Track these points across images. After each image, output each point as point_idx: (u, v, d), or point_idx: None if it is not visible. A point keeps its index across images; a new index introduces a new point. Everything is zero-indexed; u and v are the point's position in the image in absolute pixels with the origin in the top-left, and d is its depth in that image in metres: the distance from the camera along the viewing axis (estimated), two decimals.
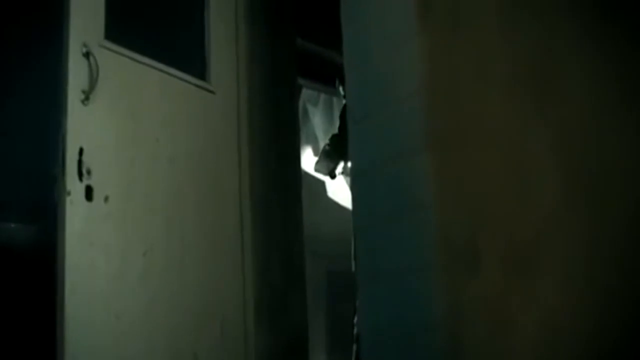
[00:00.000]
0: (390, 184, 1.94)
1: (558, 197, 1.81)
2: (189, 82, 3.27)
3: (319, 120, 5.61)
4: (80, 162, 2.71)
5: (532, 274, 1.74)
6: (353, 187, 2.17)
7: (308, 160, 5.43)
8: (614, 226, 1.84)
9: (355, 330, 3.34)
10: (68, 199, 2.66)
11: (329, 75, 4.54)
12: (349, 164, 3.84)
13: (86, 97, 2.77)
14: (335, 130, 4.48)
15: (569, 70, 1.89)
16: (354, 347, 3.35)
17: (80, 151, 2.71)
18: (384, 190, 1.98)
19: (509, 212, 1.76)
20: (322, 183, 5.58)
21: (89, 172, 2.73)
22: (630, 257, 1.84)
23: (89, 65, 2.80)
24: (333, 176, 4.38)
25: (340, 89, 3.93)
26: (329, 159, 4.25)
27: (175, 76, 3.19)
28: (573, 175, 1.82)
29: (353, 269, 3.16)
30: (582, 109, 1.89)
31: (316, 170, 4.38)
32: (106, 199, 2.79)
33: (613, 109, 1.94)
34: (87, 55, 2.80)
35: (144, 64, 3.06)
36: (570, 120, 1.85)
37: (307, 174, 5.13)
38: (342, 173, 4.30)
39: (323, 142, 5.44)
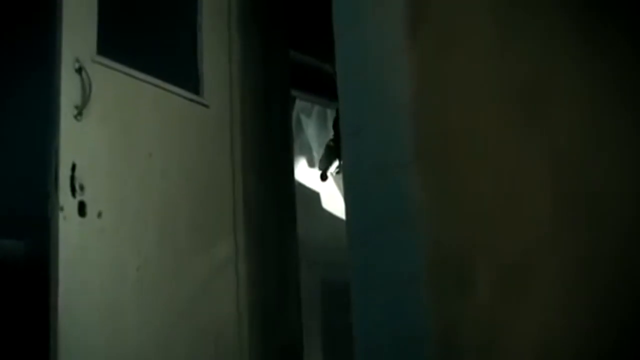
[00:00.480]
0: (381, 196, 1.95)
1: (551, 214, 1.81)
2: (182, 97, 3.27)
3: (312, 131, 5.62)
4: (73, 178, 2.70)
5: (524, 291, 1.74)
6: (346, 197, 2.17)
7: (302, 171, 5.43)
8: (608, 245, 1.85)
9: None
10: (61, 215, 2.65)
11: (322, 87, 4.55)
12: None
13: (79, 113, 2.77)
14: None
15: (562, 86, 1.90)
16: None
17: (73, 167, 2.70)
18: (376, 202, 1.98)
19: (500, 229, 1.76)
20: (317, 193, 5.58)
21: (82, 188, 2.72)
22: (624, 276, 1.84)
23: (82, 80, 2.79)
24: (324, 177, 4.36)
25: None
26: (329, 156, 4.26)
27: (168, 90, 3.19)
28: (566, 193, 1.82)
29: (347, 278, 3.15)
30: (576, 125, 1.89)
31: (320, 168, 4.38)
32: (99, 214, 2.78)
33: (609, 125, 1.94)
34: (79, 70, 2.79)
35: (137, 78, 3.05)
36: (564, 137, 1.85)
37: (301, 185, 5.13)
38: (338, 172, 4.31)
39: (317, 152, 5.44)
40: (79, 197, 2.71)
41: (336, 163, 4.19)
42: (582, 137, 1.90)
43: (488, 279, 1.78)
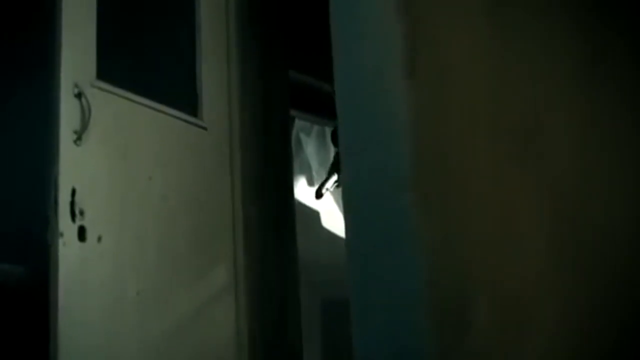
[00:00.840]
0: (381, 217, 1.95)
1: (548, 251, 1.81)
2: (181, 119, 3.27)
3: (312, 149, 5.63)
4: (73, 203, 2.71)
5: (523, 329, 1.75)
6: (346, 217, 2.17)
7: (302, 189, 5.44)
8: (609, 277, 1.85)
9: None
10: (61, 240, 2.66)
11: (321, 106, 4.55)
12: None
13: (78, 137, 2.78)
14: (330, 159, 4.49)
15: (559, 120, 1.90)
16: None
17: (73, 192, 2.71)
18: (376, 223, 1.98)
19: (499, 258, 1.77)
20: (317, 212, 5.59)
21: (81, 213, 2.73)
22: (622, 315, 1.85)
23: (81, 105, 2.80)
24: (319, 195, 4.30)
25: None
26: (329, 173, 4.25)
27: (167, 113, 3.20)
28: (563, 230, 1.82)
29: (348, 296, 3.14)
30: (573, 159, 1.90)
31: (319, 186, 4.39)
32: (99, 239, 2.78)
33: (607, 158, 1.95)
34: (79, 95, 2.80)
35: (136, 102, 3.06)
36: (560, 172, 1.85)
37: (301, 204, 5.14)
38: (338, 186, 4.28)
39: (317, 171, 5.45)
40: (78, 222, 2.71)
41: (334, 178, 4.18)
42: (581, 168, 1.91)
43: (487, 306, 1.78)
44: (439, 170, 1.80)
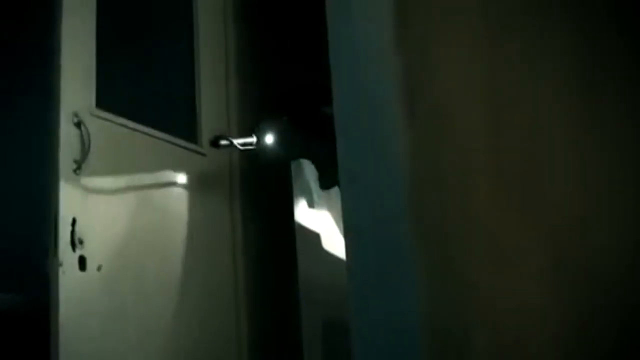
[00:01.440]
0: (380, 248, 1.95)
1: (545, 287, 1.82)
2: (180, 146, 3.28)
3: (312, 172, 5.61)
4: (73, 233, 2.71)
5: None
6: (346, 243, 2.17)
7: (302, 212, 5.42)
8: (604, 325, 1.85)
9: None
10: (61, 270, 2.66)
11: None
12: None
13: (78, 167, 2.78)
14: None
15: (558, 159, 1.91)
16: None
17: (74, 221, 2.71)
18: (375, 251, 1.98)
19: (496, 301, 1.77)
20: (317, 234, 5.57)
21: (81, 242, 2.73)
22: (626, 342, 1.84)
23: (81, 134, 2.81)
24: (216, 144, 3.94)
25: None
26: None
27: (166, 141, 3.21)
28: (561, 267, 1.83)
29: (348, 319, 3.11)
30: (572, 198, 1.91)
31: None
32: (99, 268, 2.79)
33: (608, 197, 1.96)
34: (78, 124, 2.81)
35: (135, 130, 3.07)
36: (558, 212, 1.86)
37: (301, 226, 5.12)
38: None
39: (317, 194, 5.43)
40: (78, 252, 2.71)
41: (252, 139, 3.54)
42: (580, 206, 1.91)
43: (485, 341, 1.78)
44: (437, 203, 1.81)
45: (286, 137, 3.28)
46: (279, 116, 3.41)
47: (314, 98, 3.49)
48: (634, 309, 1.88)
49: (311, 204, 5.72)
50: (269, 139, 3.24)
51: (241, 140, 3.27)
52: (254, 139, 3.26)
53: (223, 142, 3.21)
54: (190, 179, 3.30)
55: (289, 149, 3.33)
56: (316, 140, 3.37)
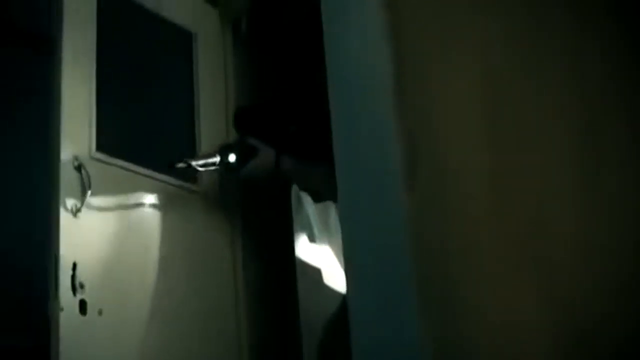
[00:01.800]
0: (380, 284, 1.95)
1: (548, 342, 1.82)
2: (180, 187, 3.28)
3: (312, 207, 5.61)
4: (74, 277, 2.71)
5: None
6: (347, 277, 2.16)
7: (303, 247, 5.41)
8: (601, 340, 1.85)
9: None
10: (62, 315, 2.65)
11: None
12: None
13: (78, 210, 2.79)
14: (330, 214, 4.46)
15: (559, 212, 1.92)
16: None
17: (74, 266, 2.71)
18: (376, 288, 1.98)
19: (498, 334, 1.77)
20: (318, 270, 5.56)
21: (82, 286, 2.73)
22: None
23: (81, 178, 2.82)
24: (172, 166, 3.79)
25: None
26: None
27: (166, 182, 3.21)
28: (562, 321, 1.83)
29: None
30: (573, 248, 1.91)
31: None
32: (100, 312, 2.78)
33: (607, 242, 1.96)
34: (78, 168, 2.82)
35: (135, 172, 3.08)
36: (559, 263, 1.87)
37: (302, 262, 5.11)
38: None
39: (318, 229, 5.43)
40: (79, 296, 2.71)
41: (216, 158, 3.24)
42: (581, 255, 1.92)
43: None
44: (437, 236, 1.81)
45: (250, 154, 3.23)
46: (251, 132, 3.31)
47: (281, 116, 3.46)
48: (633, 325, 1.87)
49: (312, 239, 5.72)
50: (232, 157, 3.19)
51: (201, 162, 3.19)
52: (216, 159, 3.19)
53: (179, 165, 3.11)
54: (190, 219, 3.29)
55: (255, 166, 3.26)
56: (287, 157, 3.32)
